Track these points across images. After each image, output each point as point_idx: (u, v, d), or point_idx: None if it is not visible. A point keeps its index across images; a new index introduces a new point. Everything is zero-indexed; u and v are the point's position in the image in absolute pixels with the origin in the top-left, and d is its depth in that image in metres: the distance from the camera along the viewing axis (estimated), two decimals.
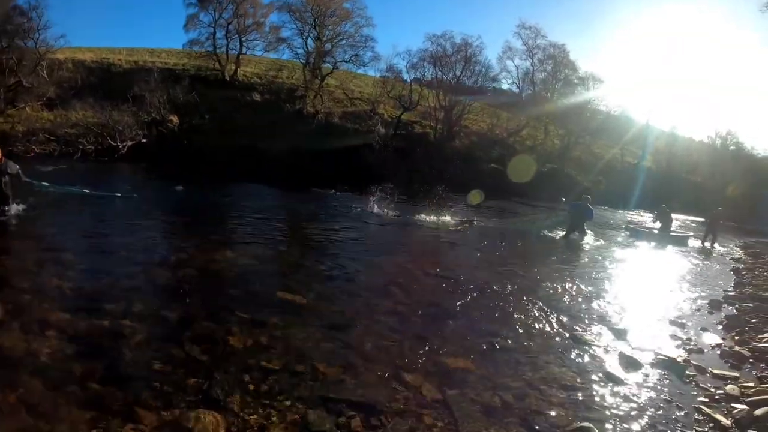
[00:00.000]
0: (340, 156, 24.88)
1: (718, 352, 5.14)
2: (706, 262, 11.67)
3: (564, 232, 12.02)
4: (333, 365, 3.71)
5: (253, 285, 5.67)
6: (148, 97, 23.58)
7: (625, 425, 3.33)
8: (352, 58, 28.68)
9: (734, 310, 6.95)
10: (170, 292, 5.12)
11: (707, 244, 14.43)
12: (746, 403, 3.86)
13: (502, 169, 25.34)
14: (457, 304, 5.71)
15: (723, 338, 5.59)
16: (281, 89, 30.53)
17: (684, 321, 6.08)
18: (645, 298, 7.36)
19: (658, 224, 14.84)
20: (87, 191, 10.36)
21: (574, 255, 10.58)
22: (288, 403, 3.13)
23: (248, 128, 26.39)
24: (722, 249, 14.57)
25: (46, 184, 9.50)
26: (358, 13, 28.71)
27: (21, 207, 8.20)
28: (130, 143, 21.64)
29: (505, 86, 31.24)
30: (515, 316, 5.51)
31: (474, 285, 6.59)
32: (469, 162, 25.63)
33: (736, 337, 5.70)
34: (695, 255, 12.61)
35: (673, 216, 15.81)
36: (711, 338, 5.59)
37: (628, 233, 14.92)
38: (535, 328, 5.16)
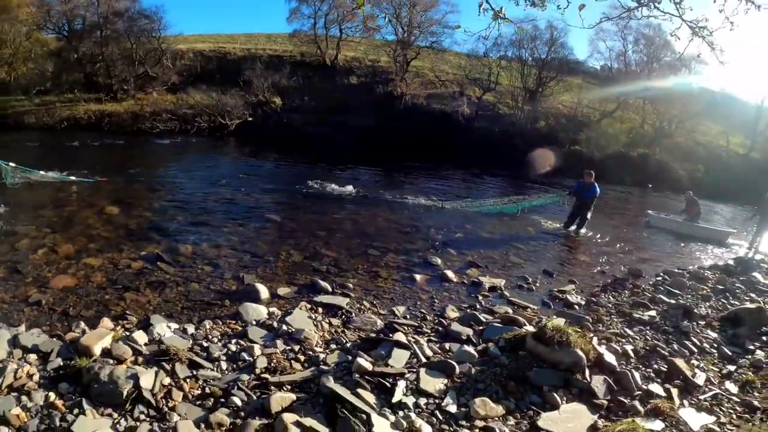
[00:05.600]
0: (423, 137, 28.07)
1: (548, 293, 7.29)
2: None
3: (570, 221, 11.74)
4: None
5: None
6: (255, 82, 29.61)
7: (387, 299, 6.41)
8: (433, 44, 31.80)
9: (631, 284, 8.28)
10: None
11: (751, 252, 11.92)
12: (494, 317, 5.92)
13: (585, 152, 26.31)
14: (380, 234, 9.56)
15: (574, 291, 7.54)
16: (375, 72, 34.85)
17: (559, 273, 8.36)
18: (553, 259, 9.48)
19: (683, 216, 13.70)
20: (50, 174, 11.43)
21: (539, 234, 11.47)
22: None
23: (342, 108, 31.06)
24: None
25: (12, 164, 10.35)
26: (444, 0, 31.97)
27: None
28: (237, 122, 27.77)
29: (597, 66, 31.73)
30: (403, 244, 9.02)
31: (408, 230, 10.25)
32: (549, 144, 26.99)
33: (582, 290, 7.68)
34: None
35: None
36: (563, 287, 7.57)
37: (646, 219, 14.50)
38: (407, 251, 8.55)
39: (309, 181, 14.03)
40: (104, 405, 3.42)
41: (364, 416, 3.45)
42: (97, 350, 4.03)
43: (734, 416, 4.33)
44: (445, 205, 13.09)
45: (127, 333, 4.55)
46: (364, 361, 4.28)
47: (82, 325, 4.70)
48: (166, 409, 3.50)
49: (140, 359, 4.08)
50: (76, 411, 3.32)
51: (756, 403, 4.51)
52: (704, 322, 6.75)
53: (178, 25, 57.73)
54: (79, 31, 29.82)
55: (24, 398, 3.38)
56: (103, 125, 24.72)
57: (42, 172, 11.16)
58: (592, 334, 5.71)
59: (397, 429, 3.49)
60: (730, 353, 5.77)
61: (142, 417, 3.39)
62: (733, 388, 4.88)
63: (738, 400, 4.61)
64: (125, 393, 3.47)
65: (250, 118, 28.66)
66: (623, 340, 5.77)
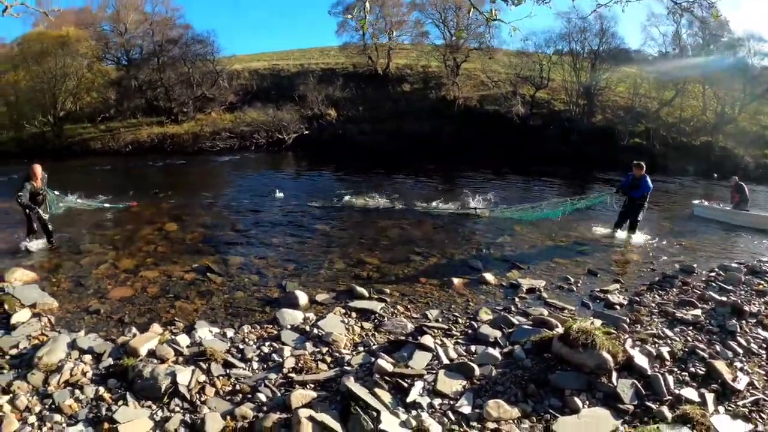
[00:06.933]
0: (477, 139, 27.83)
1: (589, 294, 7.03)
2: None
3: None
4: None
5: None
6: (309, 96, 30.66)
7: (422, 303, 6.54)
8: (482, 45, 31.46)
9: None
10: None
11: None
12: (527, 319, 5.77)
13: (645, 144, 25.05)
14: (424, 241, 9.72)
15: (617, 290, 7.26)
16: (427, 78, 35.00)
17: (604, 272, 8.06)
18: (599, 258, 9.05)
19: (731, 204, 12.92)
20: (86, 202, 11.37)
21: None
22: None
23: (396, 116, 31.45)
24: None
25: (57, 192, 9.81)
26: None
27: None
28: (294, 135, 28.88)
29: (653, 52, 30.13)
30: (446, 249, 9.12)
31: (453, 236, 10.39)
32: (606, 138, 25.92)
33: (627, 290, 7.29)
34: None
35: None
36: (606, 287, 7.34)
37: (691, 210, 13.86)
38: (449, 256, 8.70)
39: (366, 194, 14.19)
40: (145, 398, 3.90)
41: (374, 414, 3.65)
42: (143, 351, 4.56)
43: None
44: (480, 213, 12.53)
45: (173, 336, 5.06)
46: (385, 362, 4.47)
47: (134, 330, 5.27)
48: (198, 402, 3.91)
49: (180, 359, 4.56)
50: (120, 403, 3.82)
51: None
52: (755, 320, 6.26)
53: (236, 47, 61.04)
54: (137, 60, 32.38)
55: (77, 392, 3.95)
56: (166, 147, 26.70)
57: (79, 200, 11.17)
58: (626, 336, 5.54)
59: (406, 427, 3.64)
60: None
61: (177, 409, 3.82)
62: None
63: None
64: (163, 388, 3.92)
65: (306, 132, 29.69)
66: (660, 342, 5.47)
